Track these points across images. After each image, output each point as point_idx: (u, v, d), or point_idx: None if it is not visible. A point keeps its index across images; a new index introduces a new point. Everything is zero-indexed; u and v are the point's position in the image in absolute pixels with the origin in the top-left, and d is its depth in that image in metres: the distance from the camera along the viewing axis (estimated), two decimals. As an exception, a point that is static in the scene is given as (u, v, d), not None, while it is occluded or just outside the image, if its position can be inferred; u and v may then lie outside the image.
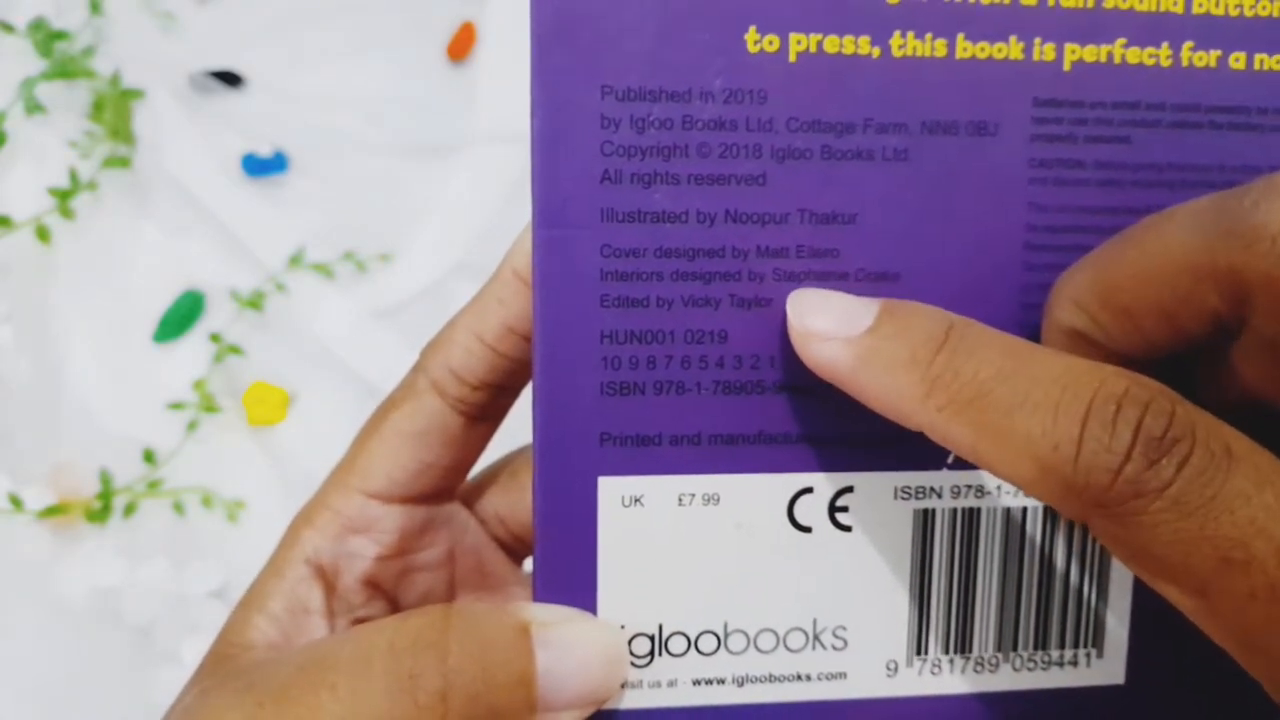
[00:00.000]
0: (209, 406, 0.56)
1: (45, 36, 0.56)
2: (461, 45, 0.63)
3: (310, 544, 0.25)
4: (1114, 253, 0.21)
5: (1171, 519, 0.17)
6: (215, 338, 0.57)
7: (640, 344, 0.22)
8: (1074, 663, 0.24)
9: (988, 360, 0.19)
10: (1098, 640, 0.24)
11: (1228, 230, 0.18)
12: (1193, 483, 0.17)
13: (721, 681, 0.23)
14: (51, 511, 0.53)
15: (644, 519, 0.22)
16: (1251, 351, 0.20)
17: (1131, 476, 0.17)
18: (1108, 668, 0.24)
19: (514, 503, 0.28)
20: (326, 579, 0.25)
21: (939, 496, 0.23)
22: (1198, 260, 0.19)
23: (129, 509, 0.55)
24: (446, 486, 0.26)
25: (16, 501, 0.53)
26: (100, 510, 0.54)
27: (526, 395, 0.25)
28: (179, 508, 0.55)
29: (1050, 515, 0.24)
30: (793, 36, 0.21)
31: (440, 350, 0.25)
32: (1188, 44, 0.22)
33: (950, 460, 0.23)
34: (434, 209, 0.61)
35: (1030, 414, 0.18)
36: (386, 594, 0.26)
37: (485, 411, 0.26)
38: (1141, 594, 0.24)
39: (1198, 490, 0.17)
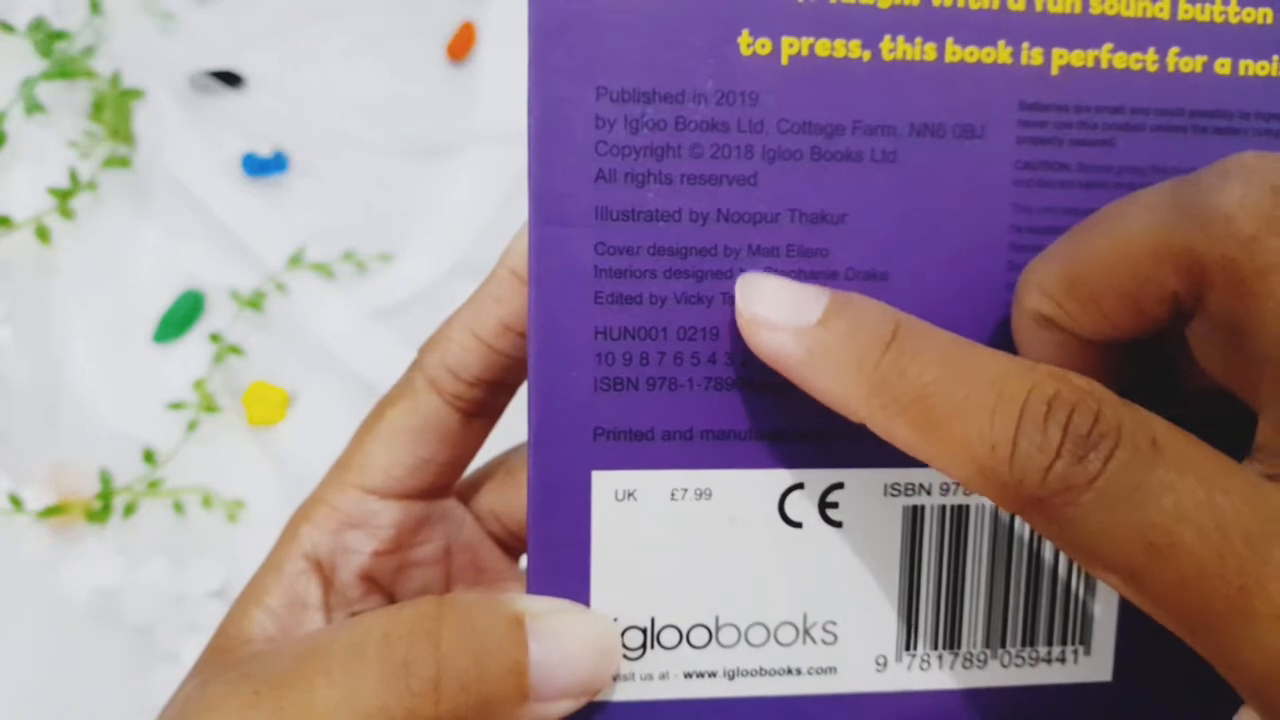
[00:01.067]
0: (209, 406, 0.57)
1: (45, 36, 0.57)
2: (461, 45, 0.63)
3: (308, 539, 0.26)
4: (1078, 240, 0.21)
5: (1098, 510, 0.17)
6: (215, 338, 0.58)
7: (634, 340, 0.22)
8: (1061, 659, 0.24)
9: (930, 362, 0.19)
10: (1085, 637, 0.24)
11: (1184, 213, 0.19)
12: (1117, 475, 0.17)
13: (713, 674, 0.23)
14: (52, 511, 0.53)
15: (637, 513, 0.23)
16: (1206, 333, 0.20)
17: (1060, 472, 0.18)
18: (1095, 665, 0.25)
19: (509, 499, 0.28)
20: (324, 574, 0.26)
21: (928, 493, 0.24)
22: (1156, 243, 0.19)
23: (129, 509, 0.55)
24: (443, 483, 0.27)
25: (17, 501, 0.53)
26: (100, 510, 0.54)
27: (522, 394, 0.26)
28: (179, 507, 0.56)
29: None
30: (785, 40, 0.22)
31: (437, 348, 0.25)
32: (1174, 49, 0.23)
33: None
34: (434, 209, 0.61)
35: (968, 417, 0.19)
36: (383, 589, 0.27)
37: (482, 408, 0.26)
38: None
39: (1123, 482, 0.17)
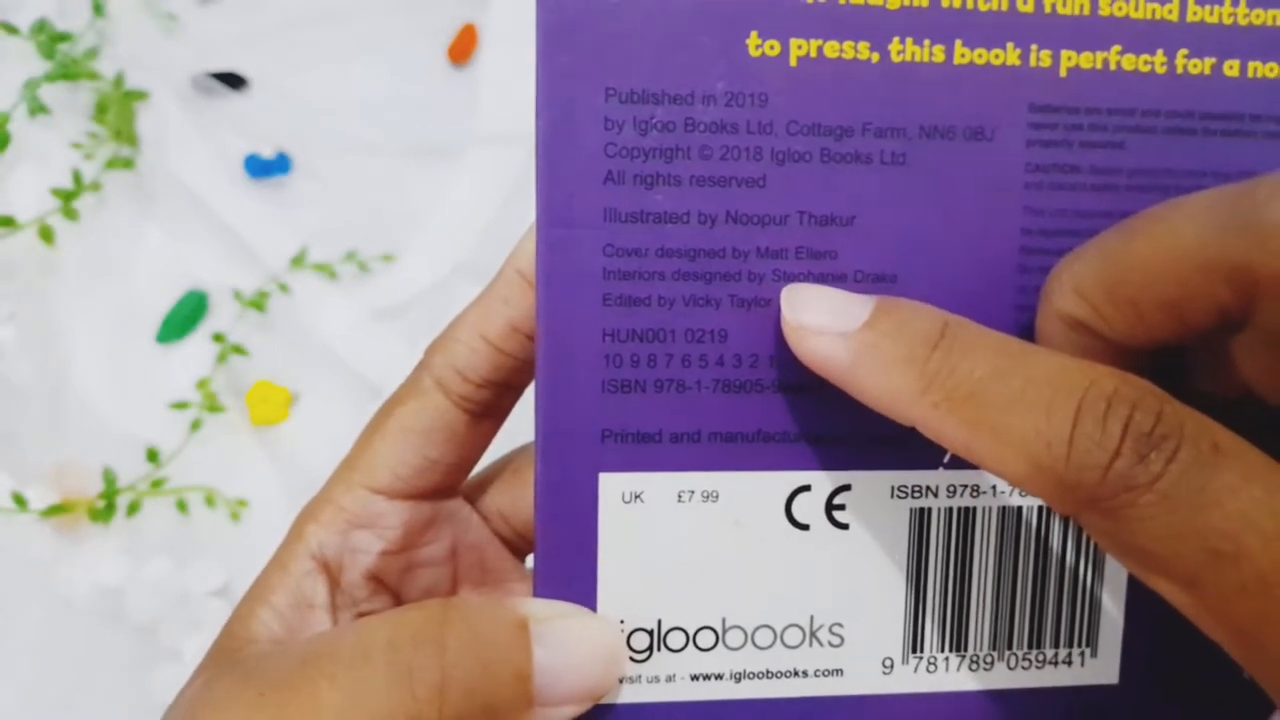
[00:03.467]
0: (212, 406, 0.57)
1: (48, 38, 0.57)
2: (463, 48, 0.63)
3: (315, 539, 0.26)
4: (1120, 243, 0.21)
5: (1160, 513, 0.17)
6: (218, 338, 0.58)
7: (642, 342, 0.22)
8: (1068, 661, 0.24)
9: (982, 358, 0.19)
10: (1092, 639, 0.24)
11: (1241, 225, 0.18)
12: (1181, 477, 0.17)
13: (719, 677, 0.23)
14: (55, 510, 0.53)
15: (644, 515, 0.23)
16: (1254, 347, 0.20)
17: (1121, 471, 0.17)
18: (1102, 667, 0.25)
19: (516, 499, 0.28)
20: (331, 574, 0.26)
21: (935, 495, 0.24)
22: (1208, 254, 0.19)
23: (132, 508, 0.55)
24: (450, 483, 0.27)
25: (20, 500, 0.53)
26: (104, 509, 0.54)
27: (529, 394, 0.26)
28: (182, 506, 0.56)
29: (1045, 514, 0.24)
30: (794, 41, 0.22)
31: (445, 349, 0.25)
32: (1182, 51, 0.23)
33: (946, 460, 0.23)
34: (436, 210, 0.61)
35: (1024, 412, 0.18)
36: (390, 589, 0.27)
37: (489, 409, 0.26)
38: (1136, 594, 0.24)
39: (1186, 484, 0.17)
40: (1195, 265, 0.19)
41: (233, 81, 0.61)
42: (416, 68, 0.63)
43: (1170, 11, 0.22)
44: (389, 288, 0.60)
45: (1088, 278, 0.21)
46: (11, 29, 0.56)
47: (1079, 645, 0.24)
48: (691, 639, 0.23)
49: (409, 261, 0.61)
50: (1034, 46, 0.22)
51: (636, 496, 0.23)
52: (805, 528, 0.23)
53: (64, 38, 0.57)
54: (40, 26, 0.57)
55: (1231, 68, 0.23)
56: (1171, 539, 0.17)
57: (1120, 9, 0.22)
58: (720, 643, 0.23)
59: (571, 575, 0.23)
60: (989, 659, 0.24)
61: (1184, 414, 0.18)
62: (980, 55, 0.22)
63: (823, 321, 0.21)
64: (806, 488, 0.23)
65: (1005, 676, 0.24)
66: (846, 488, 0.23)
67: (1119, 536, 0.18)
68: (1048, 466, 0.18)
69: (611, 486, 0.23)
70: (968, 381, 0.19)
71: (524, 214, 0.60)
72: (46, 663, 0.53)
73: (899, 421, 0.20)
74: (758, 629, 0.23)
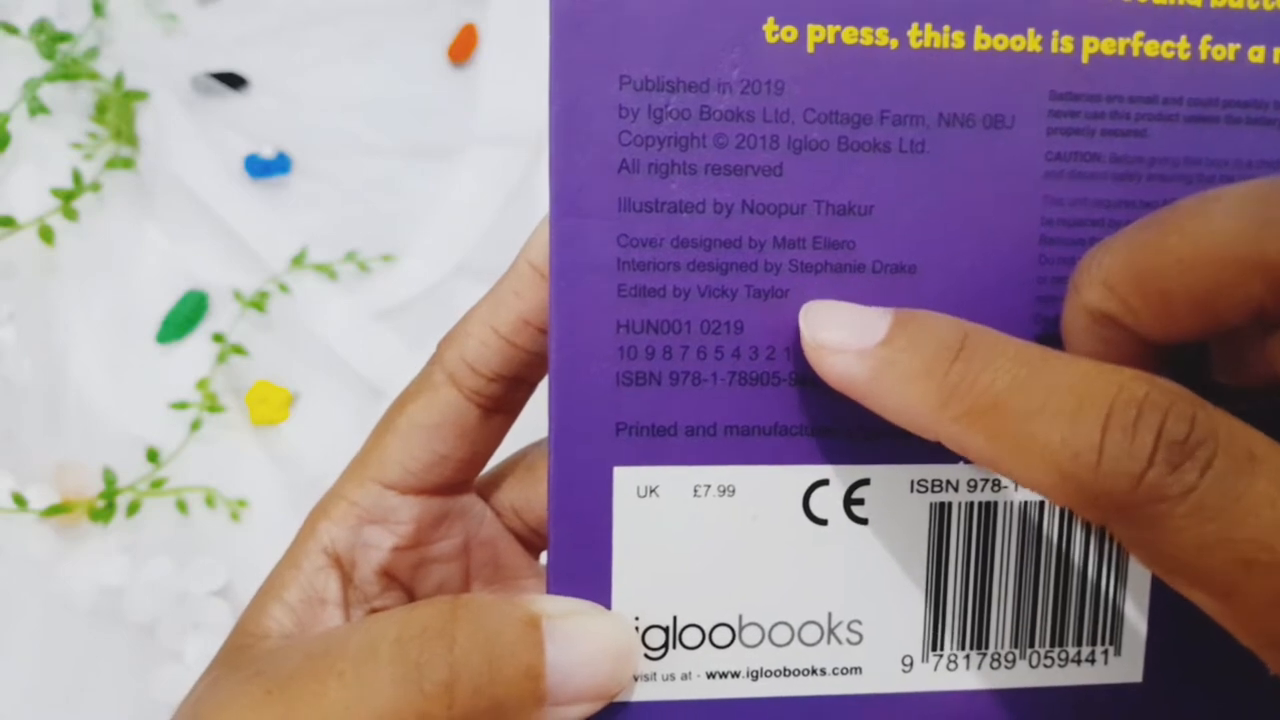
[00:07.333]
0: (212, 406, 0.56)
1: (48, 38, 0.57)
2: (463, 47, 0.63)
3: (327, 534, 0.25)
4: (1151, 236, 0.20)
5: (1195, 523, 0.17)
6: (218, 338, 0.57)
7: (656, 334, 0.22)
8: (1091, 660, 0.24)
9: (1003, 369, 0.19)
10: (1115, 638, 0.24)
11: (1279, 220, 0.18)
12: (1215, 486, 0.17)
13: (736, 675, 0.23)
14: (55, 510, 0.53)
15: (659, 510, 0.22)
16: None
17: (1154, 482, 0.17)
18: (1125, 666, 0.24)
19: (530, 495, 0.28)
20: (343, 569, 0.25)
21: (955, 490, 0.23)
22: (1245, 250, 0.18)
23: (132, 508, 0.55)
24: (462, 478, 0.26)
25: (21, 500, 0.52)
26: (104, 509, 0.54)
27: (542, 389, 0.25)
28: (182, 506, 0.55)
29: (1068, 510, 0.24)
30: (811, 27, 0.21)
31: (456, 343, 0.25)
32: (1206, 37, 0.22)
33: None
34: (436, 210, 0.61)
35: (1049, 422, 0.18)
36: (402, 585, 0.26)
37: (501, 404, 0.26)
38: (1160, 592, 0.24)
39: (1221, 494, 0.16)
40: (1230, 260, 0.19)
41: (233, 81, 0.61)
42: (416, 68, 0.63)
43: None
44: (389, 288, 0.60)
45: (1117, 270, 0.20)
46: (11, 29, 0.56)
47: (1102, 643, 0.24)
48: (708, 636, 0.23)
49: (409, 261, 0.60)
50: (1055, 32, 0.22)
51: (652, 491, 0.22)
52: (823, 523, 0.23)
53: (64, 38, 0.57)
54: (40, 26, 0.56)
55: (1256, 54, 0.22)
56: (1205, 549, 0.17)
57: None
58: (737, 640, 0.23)
59: (585, 571, 0.22)
60: (1010, 657, 0.24)
61: (1217, 419, 0.17)
62: (1001, 41, 0.22)
63: (841, 339, 0.21)
64: (824, 482, 0.23)
65: (1027, 675, 0.24)
66: (865, 482, 0.23)
67: (1150, 546, 0.17)
68: (1075, 476, 0.17)
69: (626, 481, 0.22)
70: (989, 393, 0.19)
71: (524, 214, 0.60)
72: (46, 663, 0.53)
73: (923, 436, 0.20)
74: (775, 626, 0.23)
